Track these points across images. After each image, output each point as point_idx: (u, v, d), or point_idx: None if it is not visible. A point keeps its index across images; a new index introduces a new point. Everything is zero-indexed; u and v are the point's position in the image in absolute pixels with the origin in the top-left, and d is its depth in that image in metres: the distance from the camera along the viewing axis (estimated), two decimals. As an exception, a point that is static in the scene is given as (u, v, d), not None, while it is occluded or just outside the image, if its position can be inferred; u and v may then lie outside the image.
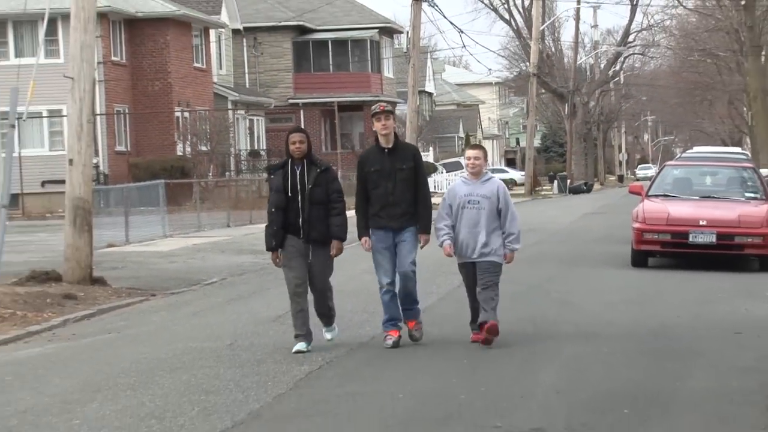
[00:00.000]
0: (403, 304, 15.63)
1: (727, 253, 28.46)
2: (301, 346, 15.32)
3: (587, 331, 19.07)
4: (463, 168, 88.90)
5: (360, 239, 15.73)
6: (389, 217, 15.11)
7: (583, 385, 14.74)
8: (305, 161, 15.20)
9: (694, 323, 19.87)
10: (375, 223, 15.26)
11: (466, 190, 15.41)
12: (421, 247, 15.40)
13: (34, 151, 51.89)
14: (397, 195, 15.11)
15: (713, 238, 28.45)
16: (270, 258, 15.76)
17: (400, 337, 15.54)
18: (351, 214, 15.69)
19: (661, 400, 13.90)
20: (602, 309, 21.84)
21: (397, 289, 15.41)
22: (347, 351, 15.58)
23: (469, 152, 15.92)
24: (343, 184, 17.79)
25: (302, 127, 75.72)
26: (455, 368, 15.52)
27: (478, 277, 15.35)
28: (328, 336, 15.89)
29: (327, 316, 15.83)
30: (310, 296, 15.79)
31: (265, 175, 49.41)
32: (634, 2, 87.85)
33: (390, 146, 15.25)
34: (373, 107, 15.72)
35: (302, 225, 15.05)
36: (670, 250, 28.90)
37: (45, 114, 52.78)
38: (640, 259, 29.14)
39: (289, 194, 15.11)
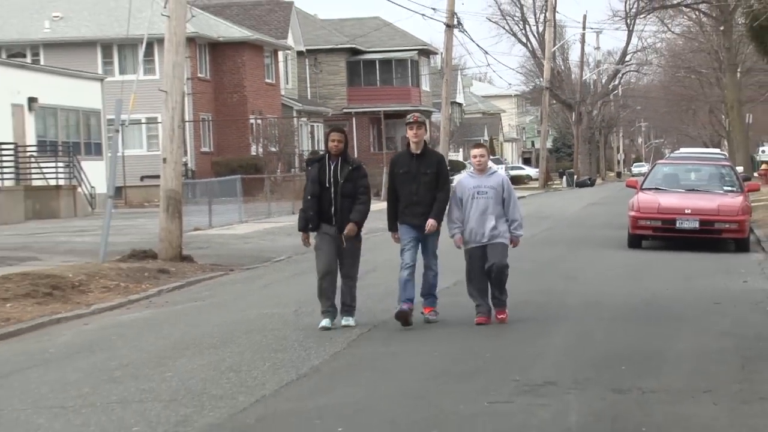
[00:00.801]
0: (423, 293, 15.40)
1: (708, 237, 28.39)
2: (326, 322, 14.94)
3: (591, 301, 19.08)
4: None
5: (391, 232, 15.41)
6: (413, 215, 14.82)
7: (587, 346, 14.80)
8: (340, 158, 14.81)
9: (680, 295, 19.83)
10: (402, 219, 14.98)
11: (474, 183, 15.07)
12: (426, 232, 14.87)
13: (135, 152, 52.06)
14: (420, 195, 14.76)
15: (696, 224, 28.53)
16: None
17: (411, 310, 15.06)
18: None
19: (653, 358, 13.92)
20: (603, 283, 21.84)
21: (413, 271, 14.98)
22: (389, 318, 15.44)
23: (475, 151, 15.57)
24: (386, 178, 17.79)
25: (353, 131, 77.19)
26: (480, 334, 15.54)
27: (489, 258, 14.87)
28: (345, 322, 15.23)
29: (349, 306, 15.29)
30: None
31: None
32: (631, 28, 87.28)
33: (419, 152, 14.98)
34: (407, 117, 15.51)
35: (334, 214, 14.68)
36: (660, 234, 28.86)
37: (144, 121, 52.91)
38: (635, 242, 29.10)
39: (325, 185, 14.73)
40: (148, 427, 10.45)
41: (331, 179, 14.62)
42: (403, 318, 14.87)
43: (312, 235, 15.06)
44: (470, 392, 11.80)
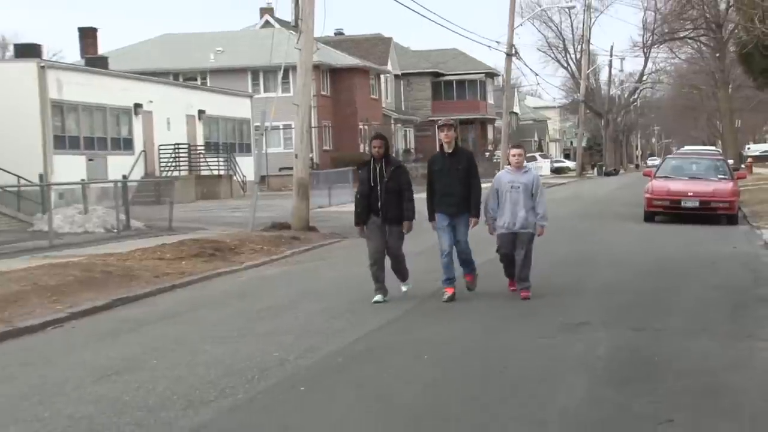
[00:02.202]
0: (462, 265, 14.19)
1: (706, 213, 28.07)
2: (378, 297, 13.65)
3: (615, 260, 18.94)
4: (536, 160, 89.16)
5: (430, 221, 14.14)
6: (447, 205, 13.69)
7: (612, 294, 14.65)
8: (383, 160, 13.61)
9: (684, 256, 19.60)
10: (437, 208, 13.70)
11: (510, 178, 13.67)
12: (472, 227, 13.79)
13: (275, 150, 52.22)
14: (452, 188, 13.53)
15: (697, 204, 28.22)
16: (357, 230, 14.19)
17: (454, 293, 13.69)
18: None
19: (664, 304, 13.85)
20: (625, 247, 21.64)
21: (453, 255, 13.84)
22: (431, 295, 14.35)
23: (514, 150, 14.01)
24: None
25: (436, 135, 76.88)
26: (511, 298, 15.45)
27: (517, 245, 13.54)
28: (404, 288, 14.15)
29: (401, 273, 14.11)
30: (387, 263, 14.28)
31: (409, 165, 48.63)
32: (647, 55, 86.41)
33: (450, 151, 13.82)
34: (439, 121, 14.83)
35: (381, 208, 13.53)
36: (669, 211, 28.53)
37: (281, 127, 53.04)
38: (649, 217, 28.73)
39: (372, 184, 13.59)
40: (284, 353, 10.54)
41: (377, 179, 13.55)
42: (452, 297, 13.79)
43: (363, 229, 13.96)
44: (526, 331, 11.80)
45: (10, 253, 21.12)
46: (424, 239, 16.45)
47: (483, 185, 14.08)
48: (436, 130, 14.59)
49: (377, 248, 13.69)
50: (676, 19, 60.68)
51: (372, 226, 13.71)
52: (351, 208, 13.36)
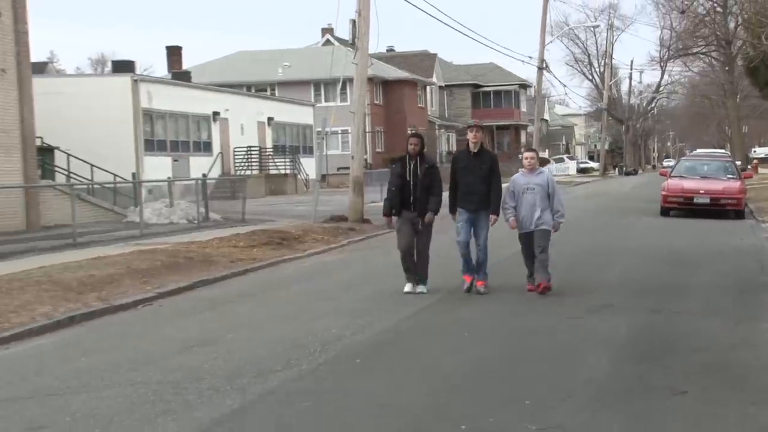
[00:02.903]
0: (477, 269, 13.10)
1: (716, 209, 27.90)
2: (409, 287, 12.91)
3: (634, 249, 18.81)
4: (564, 161, 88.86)
5: (451, 214, 13.30)
6: (469, 202, 12.75)
7: (632, 279, 14.56)
8: (418, 158, 12.84)
9: (696, 247, 19.42)
10: (459, 204, 12.88)
11: (525, 180, 12.80)
12: (492, 225, 12.90)
13: (333, 152, 52.35)
14: (475, 186, 12.69)
15: (708, 200, 28.10)
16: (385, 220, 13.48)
17: (473, 282, 12.95)
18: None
19: (678, 289, 13.73)
20: (643, 238, 21.42)
21: (472, 247, 12.95)
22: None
23: (527, 153, 13.25)
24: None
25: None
26: (557, 271, 15.36)
27: (534, 242, 12.66)
28: (419, 289, 12.93)
29: (423, 272, 13.04)
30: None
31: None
32: (663, 68, 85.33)
33: (476, 151, 13.00)
34: (468, 122, 14.17)
35: (413, 202, 12.71)
36: (683, 207, 28.35)
37: (339, 132, 53.23)
38: (665, 212, 28.52)
39: (406, 179, 12.78)
40: (342, 329, 10.56)
41: (411, 174, 12.75)
42: (468, 285, 12.99)
43: (394, 219, 13.16)
44: (553, 312, 11.74)
45: (107, 241, 21.37)
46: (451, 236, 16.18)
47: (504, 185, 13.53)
48: (467, 131, 13.40)
49: (407, 241, 12.90)
50: (689, 36, 60.19)
51: (404, 219, 12.93)
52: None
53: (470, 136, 12.99)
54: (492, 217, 12.80)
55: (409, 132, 13.02)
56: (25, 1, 26.71)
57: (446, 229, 14.84)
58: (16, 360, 9.66)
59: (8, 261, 17.35)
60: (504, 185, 13.04)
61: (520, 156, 15.59)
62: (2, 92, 26.03)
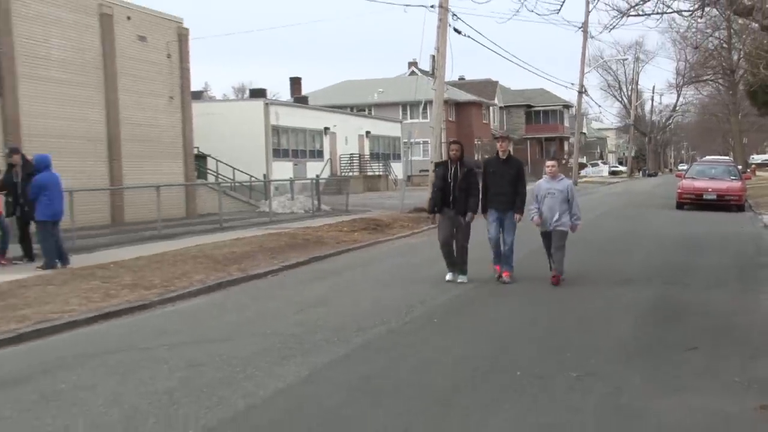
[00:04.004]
0: (503, 262, 11.94)
1: (721, 204, 27.27)
2: (450, 276, 11.79)
3: (654, 235, 18.36)
4: (598, 166, 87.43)
5: (483, 214, 11.96)
6: (498, 203, 11.72)
7: (653, 260, 14.25)
8: (458, 162, 11.66)
9: (705, 234, 18.92)
10: (489, 205, 11.81)
11: (547, 186, 11.58)
12: (517, 221, 11.79)
13: (416, 158, 52.02)
14: (503, 188, 11.67)
15: (715, 197, 27.47)
16: (431, 217, 12.55)
17: (507, 276, 11.80)
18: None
19: (689, 266, 13.39)
20: (661, 227, 20.89)
21: (498, 242, 11.86)
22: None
23: (549, 162, 11.94)
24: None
25: (528, 148, 76.41)
26: (589, 253, 15.12)
27: (552, 240, 11.55)
28: (460, 279, 11.77)
29: (463, 264, 11.82)
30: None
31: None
32: (679, 92, 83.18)
33: (504, 158, 11.90)
34: (496, 133, 12.90)
35: (453, 201, 11.56)
36: (694, 202, 27.70)
37: (421, 142, 53.03)
38: (679, 206, 27.85)
39: (447, 181, 11.62)
40: (423, 296, 10.54)
41: (452, 177, 11.60)
42: (499, 273, 11.96)
43: (437, 216, 12.02)
44: (586, 284, 11.56)
45: (244, 226, 21.74)
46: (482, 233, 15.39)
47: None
48: (497, 141, 12.34)
49: (447, 235, 11.73)
50: (701, 67, 58.80)
51: (444, 216, 11.77)
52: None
53: (498, 145, 12.08)
54: (516, 215, 11.78)
55: (449, 140, 11.83)
56: (188, 45, 27.29)
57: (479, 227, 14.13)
58: (179, 315, 9.89)
59: (174, 240, 17.79)
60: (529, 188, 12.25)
61: (563, 160, 15.24)
62: (171, 114, 26.65)
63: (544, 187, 11.65)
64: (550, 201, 11.48)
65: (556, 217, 11.48)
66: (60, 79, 21.93)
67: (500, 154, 11.89)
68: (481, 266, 12.36)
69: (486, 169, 12.00)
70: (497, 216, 11.80)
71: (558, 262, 11.54)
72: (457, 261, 11.83)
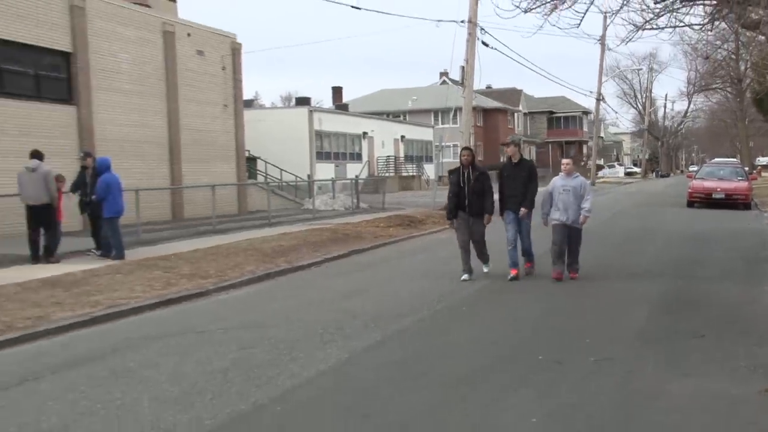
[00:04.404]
0: (524, 255, 11.52)
1: (729, 202, 26.82)
2: (465, 276, 11.19)
3: (667, 231, 18.10)
4: (614, 167, 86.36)
5: (500, 215, 11.54)
6: (513, 203, 11.28)
7: (665, 253, 14.04)
8: (470, 167, 11.14)
9: (714, 230, 18.63)
10: (506, 206, 11.41)
11: (562, 183, 11.13)
12: (520, 216, 11.29)
13: (446, 159, 51.84)
14: (517, 190, 11.22)
15: (723, 196, 27.04)
16: (448, 223, 11.77)
17: (517, 274, 11.27)
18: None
19: (699, 259, 13.21)
20: (674, 223, 20.60)
21: (517, 245, 11.42)
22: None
23: (564, 160, 11.45)
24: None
25: (549, 151, 75.76)
26: (610, 246, 14.94)
27: (570, 237, 11.09)
28: (485, 269, 11.57)
29: (483, 256, 11.53)
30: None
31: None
32: (690, 99, 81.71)
33: (516, 162, 11.44)
34: (507, 138, 12.36)
35: (467, 205, 11.10)
36: (704, 201, 27.30)
37: (451, 145, 52.91)
38: (690, 204, 27.49)
39: (460, 185, 11.15)
40: (453, 286, 10.55)
41: (465, 182, 11.12)
42: (515, 277, 11.28)
43: (454, 222, 11.48)
44: (602, 277, 11.44)
45: (290, 222, 21.84)
46: (500, 234, 14.60)
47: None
48: (506, 146, 11.84)
49: (464, 238, 11.33)
50: (710, 76, 57.87)
51: (460, 220, 11.33)
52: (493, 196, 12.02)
53: (507, 150, 11.64)
54: (522, 210, 11.27)
55: (461, 146, 11.07)
56: (240, 58, 27.48)
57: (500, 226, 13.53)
58: (232, 302, 9.98)
59: (227, 234, 17.95)
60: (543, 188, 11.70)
61: (582, 162, 15.03)
62: (225, 120, 26.87)
63: (559, 184, 11.26)
64: (565, 197, 11.10)
65: (572, 212, 11.06)
66: (128, 90, 22.24)
67: (512, 158, 11.47)
68: (504, 263, 12.31)
69: (501, 173, 11.65)
70: (513, 216, 11.42)
71: (574, 261, 11.15)
72: (478, 256, 11.45)
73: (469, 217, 11.18)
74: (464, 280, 11.18)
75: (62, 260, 13.33)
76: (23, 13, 18.83)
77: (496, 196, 11.58)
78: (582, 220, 11.15)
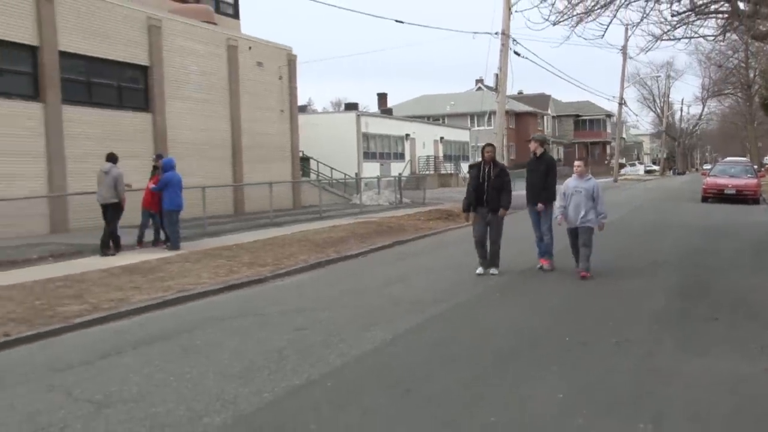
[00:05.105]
0: (542, 254, 10.83)
1: (739, 198, 26.29)
2: (480, 270, 10.46)
3: (683, 224, 17.69)
4: (634, 165, 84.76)
5: (527, 206, 11.04)
6: (534, 196, 10.75)
7: (682, 244, 13.71)
8: (491, 163, 10.42)
9: (725, 223, 18.17)
10: (529, 199, 10.90)
11: (574, 184, 10.23)
12: (538, 209, 10.76)
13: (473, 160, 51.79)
14: (536, 184, 10.69)
15: (734, 192, 26.50)
16: (464, 216, 10.99)
17: (547, 264, 10.77)
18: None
19: (712, 250, 12.88)
20: (689, 216, 20.15)
21: (543, 238, 10.86)
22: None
23: (576, 162, 10.58)
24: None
25: (576, 151, 74.58)
26: (630, 238, 14.67)
27: (579, 237, 10.21)
28: (492, 272, 10.45)
29: (495, 258, 10.57)
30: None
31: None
32: (704, 104, 79.89)
33: (537, 156, 10.81)
34: (532, 136, 11.84)
35: (486, 200, 10.37)
36: (716, 196, 26.71)
37: (479, 146, 52.57)
38: (704, 200, 26.89)
39: (480, 181, 10.41)
40: (478, 278, 10.41)
41: (485, 177, 10.39)
42: (541, 266, 10.84)
43: (471, 215, 10.67)
44: (623, 267, 11.22)
45: (339, 215, 21.90)
46: (522, 228, 13.81)
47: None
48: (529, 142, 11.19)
49: (480, 232, 10.54)
50: (722, 83, 56.90)
51: (478, 214, 10.57)
52: (524, 193, 11.71)
53: (531, 146, 11.14)
54: (539, 205, 10.72)
55: (483, 143, 10.53)
56: (295, 68, 27.67)
57: (521, 221, 13.10)
58: (287, 288, 10.02)
59: (282, 227, 18.08)
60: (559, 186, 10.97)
61: (606, 161, 14.74)
62: (282, 124, 27.08)
63: (571, 186, 10.41)
64: (577, 198, 10.21)
65: (582, 213, 10.17)
66: (196, 99, 22.57)
67: (533, 155, 11.00)
68: (532, 256, 12.11)
69: (527, 168, 11.23)
70: (536, 212, 10.89)
71: (584, 259, 10.16)
72: (489, 256, 10.63)
73: (488, 213, 10.50)
74: (479, 274, 10.43)
75: (121, 251, 13.29)
76: (110, 34, 19.29)
77: (521, 192, 11.09)
78: (600, 227, 10.33)
